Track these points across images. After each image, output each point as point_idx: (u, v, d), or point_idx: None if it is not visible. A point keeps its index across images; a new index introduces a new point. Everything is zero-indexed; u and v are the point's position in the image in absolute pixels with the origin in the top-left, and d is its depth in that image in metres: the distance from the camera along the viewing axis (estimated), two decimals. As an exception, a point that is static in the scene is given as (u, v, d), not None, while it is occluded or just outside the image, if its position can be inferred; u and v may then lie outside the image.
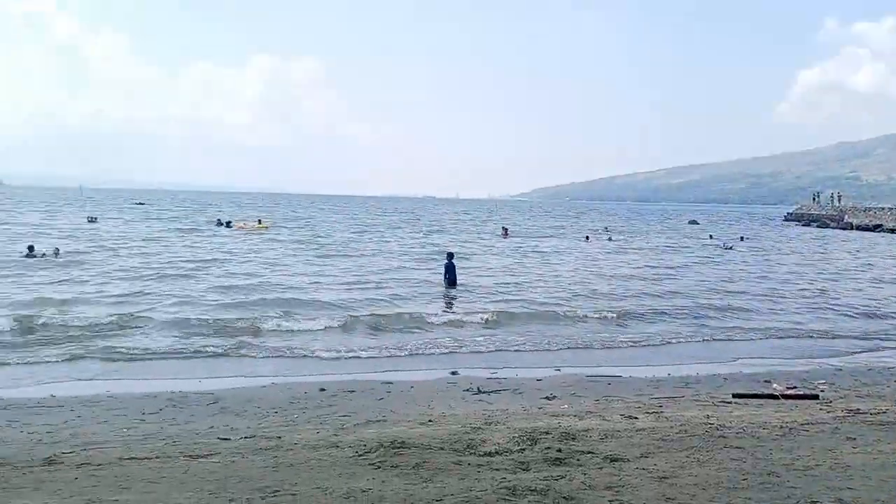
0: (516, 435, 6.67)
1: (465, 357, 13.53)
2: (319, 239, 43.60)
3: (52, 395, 9.99)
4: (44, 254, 27.36)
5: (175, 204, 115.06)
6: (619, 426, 7.33)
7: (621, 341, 15.25)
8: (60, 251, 28.42)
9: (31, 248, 27.72)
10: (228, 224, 53.07)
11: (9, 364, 12.00)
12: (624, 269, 29.33)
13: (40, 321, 14.90)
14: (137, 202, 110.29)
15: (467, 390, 10.42)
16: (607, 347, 14.74)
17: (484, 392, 10.27)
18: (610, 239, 50.52)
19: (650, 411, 8.38)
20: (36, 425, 8.15)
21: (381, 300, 19.50)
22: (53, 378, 11.23)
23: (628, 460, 5.81)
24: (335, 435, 7.14)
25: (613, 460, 5.79)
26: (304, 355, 13.26)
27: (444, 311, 18.37)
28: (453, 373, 12.11)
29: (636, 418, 7.87)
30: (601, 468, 5.58)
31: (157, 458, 6.24)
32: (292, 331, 15.19)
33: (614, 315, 17.81)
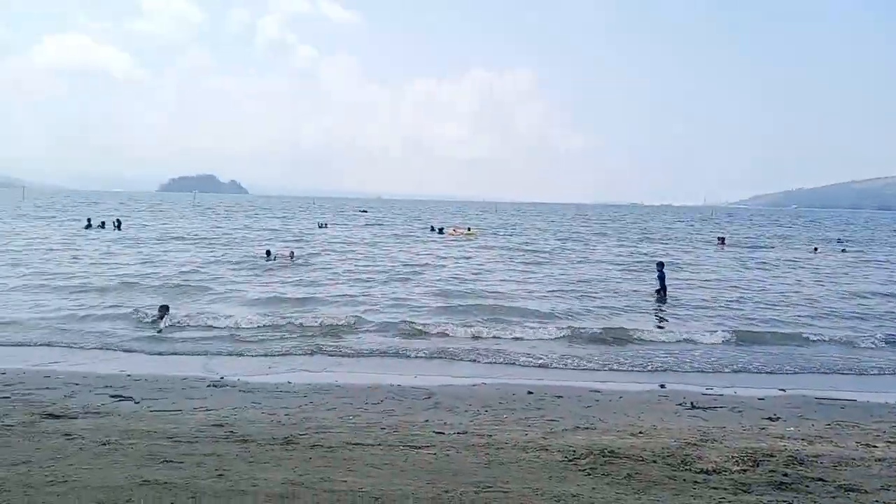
0: (735, 454, 6.33)
1: (677, 372, 12.98)
2: (527, 246, 44.05)
3: (289, 382, 11.17)
4: (276, 256, 30.63)
5: (394, 212, 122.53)
6: (854, 454, 6.66)
7: (857, 365, 13.71)
8: (295, 254, 31.56)
9: (268, 252, 31.26)
10: (441, 231, 55.62)
11: (254, 355, 13.61)
12: (862, 285, 26.33)
13: (279, 318, 16.67)
14: (361, 210, 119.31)
15: (680, 405, 10.00)
16: (840, 371, 13.31)
17: (698, 408, 9.80)
18: (844, 250, 45.56)
19: (892, 440, 7.49)
20: (276, 408, 9.15)
21: (590, 310, 19.30)
22: (290, 368, 12.57)
23: (866, 492, 5.29)
24: (544, 438, 7.22)
25: (849, 490, 5.31)
26: (512, 360, 13.50)
27: (656, 324, 17.75)
28: (662, 386, 11.70)
29: (875, 447, 7.08)
30: (834, 498, 5.14)
31: (378, 445, 6.74)
32: (501, 336, 15.54)
33: (849, 336, 16.08)
